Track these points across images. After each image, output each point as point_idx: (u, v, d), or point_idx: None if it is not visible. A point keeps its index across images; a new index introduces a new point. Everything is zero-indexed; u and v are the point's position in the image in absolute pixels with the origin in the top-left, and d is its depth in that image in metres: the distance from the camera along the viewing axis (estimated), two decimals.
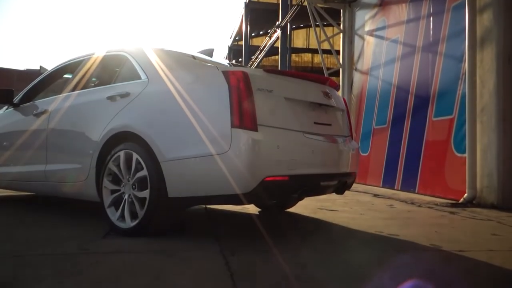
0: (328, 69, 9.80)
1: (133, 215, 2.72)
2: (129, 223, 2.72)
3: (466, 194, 4.78)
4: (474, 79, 4.88)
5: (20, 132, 3.82)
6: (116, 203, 2.85)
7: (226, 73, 2.57)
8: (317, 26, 9.59)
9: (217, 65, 2.99)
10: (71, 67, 3.85)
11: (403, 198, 5.25)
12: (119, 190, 2.84)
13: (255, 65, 20.09)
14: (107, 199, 2.87)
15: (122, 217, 2.77)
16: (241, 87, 2.49)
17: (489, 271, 2.19)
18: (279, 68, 16.77)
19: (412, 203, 4.81)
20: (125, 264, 2.09)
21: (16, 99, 4.07)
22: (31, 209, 3.98)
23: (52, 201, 4.27)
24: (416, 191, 5.77)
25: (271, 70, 2.84)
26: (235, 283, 1.81)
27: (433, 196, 5.36)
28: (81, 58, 3.71)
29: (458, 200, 4.83)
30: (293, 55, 22.97)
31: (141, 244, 2.49)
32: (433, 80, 5.74)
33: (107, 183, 2.89)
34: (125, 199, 2.78)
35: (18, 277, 1.85)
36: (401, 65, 6.64)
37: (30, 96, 4.07)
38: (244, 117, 2.44)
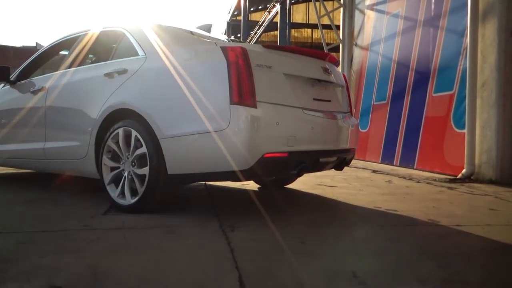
0: (328, 44, 9.69)
1: (133, 192, 2.74)
2: (129, 199, 2.74)
3: (464, 170, 4.80)
4: (475, 54, 4.83)
5: (18, 109, 3.80)
6: (116, 180, 2.86)
7: (224, 49, 2.54)
8: (317, 0, 9.43)
9: (215, 41, 2.96)
10: (67, 43, 3.80)
11: (402, 174, 5.27)
12: (119, 167, 2.85)
13: (254, 40, 19.88)
14: (107, 176, 2.89)
15: (122, 194, 2.79)
16: (240, 63, 2.46)
17: (485, 244, 2.22)
18: (278, 44, 16.59)
19: (411, 179, 4.84)
20: (125, 240, 2.11)
21: (12, 76, 4.03)
22: (31, 187, 4.00)
23: (51, 178, 4.28)
24: (414, 167, 5.80)
25: (270, 45, 2.80)
26: (235, 258, 1.84)
27: (432, 172, 5.39)
28: (77, 34, 3.66)
29: (457, 176, 4.85)
30: (293, 30, 22.69)
31: (141, 221, 2.51)
32: (434, 55, 5.69)
33: (106, 160, 2.89)
34: (125, 176, 2.79)
35: (20, 253, 1.87)
36: (402, 40, 6.57)
37: (27, 73, 4.03)
38: (243, 93, 2.42)
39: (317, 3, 9.78)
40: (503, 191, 4.03)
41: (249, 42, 19.65)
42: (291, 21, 20.54)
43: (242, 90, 2.42)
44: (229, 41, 3.84)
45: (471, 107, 4.83)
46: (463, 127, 4.95)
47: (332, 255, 1.97)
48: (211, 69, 2.58)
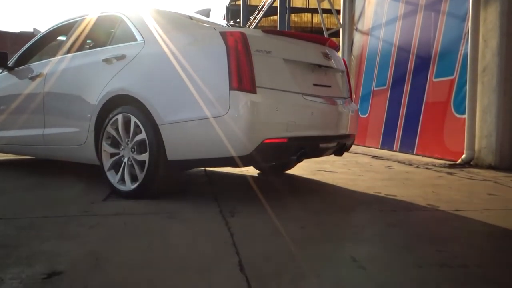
0: (328, 29, 9.61)
1: (133, 178, 2.75)
2: (129, 185, 2.74)
3: (464, 155, 4.80)
4: (477, 39, 4.79)
5: (16, 95, 3.78)
6: (116, 166, 2.86)
7: (224, 34, 2.51)
8: None
9: (214, 26, 2.93)
10: (65, 29, 3.77)
11: (402, 160, 5.28)
12: (119, 154, 2.85)
13: (254, 25, 19.71)
14: (107, 162, 2.89)
15: (122, 180, 2.80)
16: (239, 48, 2.44)
17: (484, 229, 2.23)
18: (278, 29, 16.44)
19: (410, 164, 4.84)
20: (125, 225, 2.12)
21: (10, 62, 4.01)
22: (31, 173, 4.00)
23: (51, 164, 4.29)
24: (414, 153, 5.80)
25: (269, 30, 2.78)
26: (235, 243, 1.85)
27: (432, 157, 5.39)
28: (75, 20, 3.62)
29: (456, 161, 4.86)
30: (292, 15, 22.46)
31: (141, 206, 2.52)
32: (435, 40, 5.64)
33: (106, 147, 2.89)
34: (125, 162, 2.79)
35: (21, 239, 1.89)
36: (403, 24, 6.50)
37: (25, 59, 4.01)
38: (242, 79, 2.40)
39: None
40: (503, 176, 4.04)
41: (249, 27, 19.48)
42: (291, 5, 20.33)
43: (242, 76, 2.41)
44: (228, 26, 3.81)
45: (471, 92, 4.81)
46: (463, 112, 4.94)
47: (331, 240, 1.98)
48: (210, 54, 2.56)
